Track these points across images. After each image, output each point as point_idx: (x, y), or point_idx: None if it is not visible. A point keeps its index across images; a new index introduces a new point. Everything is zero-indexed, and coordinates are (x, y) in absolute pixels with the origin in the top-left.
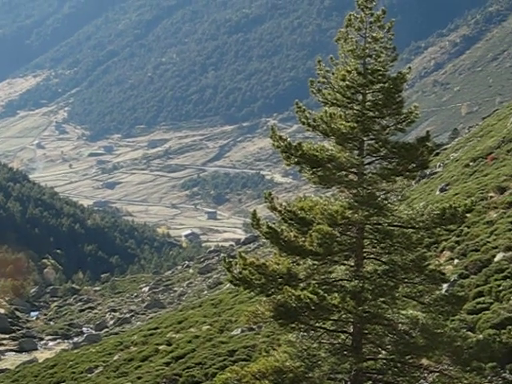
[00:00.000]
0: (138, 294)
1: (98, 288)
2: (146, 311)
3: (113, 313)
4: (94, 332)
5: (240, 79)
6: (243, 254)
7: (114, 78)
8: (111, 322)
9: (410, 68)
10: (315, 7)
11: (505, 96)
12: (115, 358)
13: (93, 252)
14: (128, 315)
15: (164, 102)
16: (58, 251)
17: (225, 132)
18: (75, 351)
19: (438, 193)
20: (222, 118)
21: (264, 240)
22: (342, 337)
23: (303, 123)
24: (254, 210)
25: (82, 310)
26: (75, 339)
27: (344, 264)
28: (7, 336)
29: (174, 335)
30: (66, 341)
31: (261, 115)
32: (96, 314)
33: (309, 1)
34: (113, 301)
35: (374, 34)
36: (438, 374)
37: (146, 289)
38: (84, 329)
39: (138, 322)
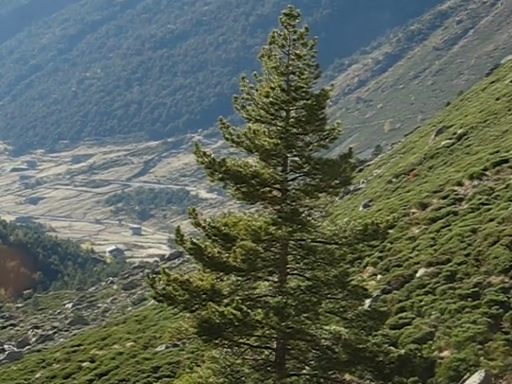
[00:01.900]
0: (62, 311)
1: (20, 305)
2: (70, 328)
3: (35, 330)
4: (15, 349)
5: (165, 94)
6: (167, 270)
7: (38, 93)
8: (34, 339)
9: (332, 85)
10: (240, 24)
11: (426, 113)
12: (37, 375)
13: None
14: (51, 332)
15: (88, 117)
16: None
17: (150, 147)
18: None
19: (361, 209)
20: (147, 133)
21: (188, 256)
22: (266, 352)
23: (227, 139)
24: (178, 226)
25: (4, 327)
26: None
27: (268, 280)
28: None
29: (97, 352)
30: None
31: (186, 131)
32: (18, 330)
33: (234, 17)
34: (35, 317)
35: (298, 52)
36: None
37: (70, 305)
38: (5, 346)
39: (61, 339)
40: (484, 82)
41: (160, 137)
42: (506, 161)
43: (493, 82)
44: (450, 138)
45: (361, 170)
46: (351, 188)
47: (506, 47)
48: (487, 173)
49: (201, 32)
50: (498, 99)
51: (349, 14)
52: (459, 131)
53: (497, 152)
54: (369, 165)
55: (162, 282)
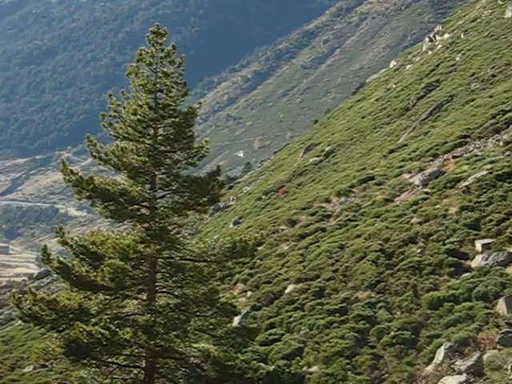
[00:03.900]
0: None
1: None
2: None
3: None
4: None
5: (33, 111)
6: (33, 290)
7: None
8: None
9: (200, 103)
10: (109, 40)
11: (295, 131)
12: None
13: None
14: None
15: None
16: None
17: (17, 165)
18: None
19: (231, 226)
20: (14, 150)
21: (57, 275)
22: (135, 371)
23: (94, 157)
24: (45, 245)
25: None
26: None
27: (136, 298)
28: None
29: None
30: None
31: (54, 148)
32: None
33: (102, 34)
34: None
35: (165, 69)
36: None
37: None
38: None
39: None
40: (350, 101)
41: (28, 154)
42: (372, 178)
43: (359, 100)
44: (318, 156)
45: (231, 188)
46: (221, 205)
47: (371, 66)
48: (354, 190)
49: (69, 48)
50: (363, 117)
51: (218, 31)
52: (327, 149)
53: (363, 169)
54: (238, 182)
55: (28, 301)
